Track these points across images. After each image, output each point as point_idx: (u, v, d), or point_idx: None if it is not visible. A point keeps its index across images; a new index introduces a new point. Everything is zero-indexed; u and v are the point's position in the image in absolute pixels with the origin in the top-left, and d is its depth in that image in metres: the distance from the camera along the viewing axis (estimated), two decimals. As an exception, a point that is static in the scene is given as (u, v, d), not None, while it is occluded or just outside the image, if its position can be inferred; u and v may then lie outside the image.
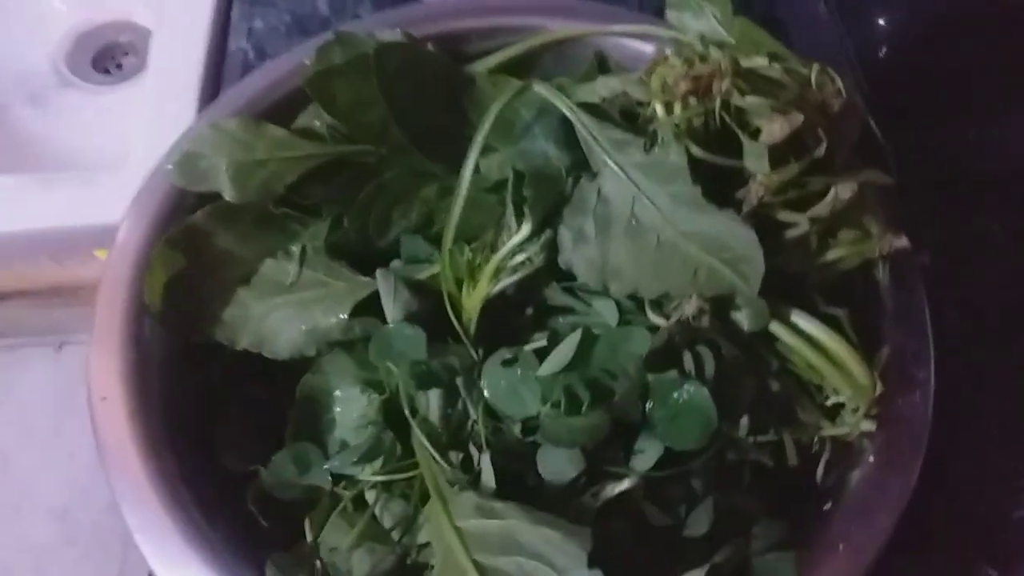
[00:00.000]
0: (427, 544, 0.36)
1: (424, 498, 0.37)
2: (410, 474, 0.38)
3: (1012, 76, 0.62)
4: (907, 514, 0.40)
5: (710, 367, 0.36)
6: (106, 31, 0.89)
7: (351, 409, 0.41)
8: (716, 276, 0.37)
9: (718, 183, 0.39)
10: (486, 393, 0.37)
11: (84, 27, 0.89)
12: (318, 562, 0.37)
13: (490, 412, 0.37)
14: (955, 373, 0.44)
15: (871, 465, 0.40)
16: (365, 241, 0.47)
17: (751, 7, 0.47)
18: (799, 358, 0.39)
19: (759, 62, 0.41)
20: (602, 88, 0.46)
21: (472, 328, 0.43)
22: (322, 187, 0.47)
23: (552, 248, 0.42)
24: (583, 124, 0.42)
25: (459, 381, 0.38)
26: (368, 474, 0.37)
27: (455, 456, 0.36)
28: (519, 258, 0.42)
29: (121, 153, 0.73)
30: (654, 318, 0.38)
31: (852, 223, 0.41)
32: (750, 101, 0.38)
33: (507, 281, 0.43)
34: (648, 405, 0.36)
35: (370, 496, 0.38)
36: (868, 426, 0.39)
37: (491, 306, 0.43)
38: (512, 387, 0.37)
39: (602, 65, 0.54)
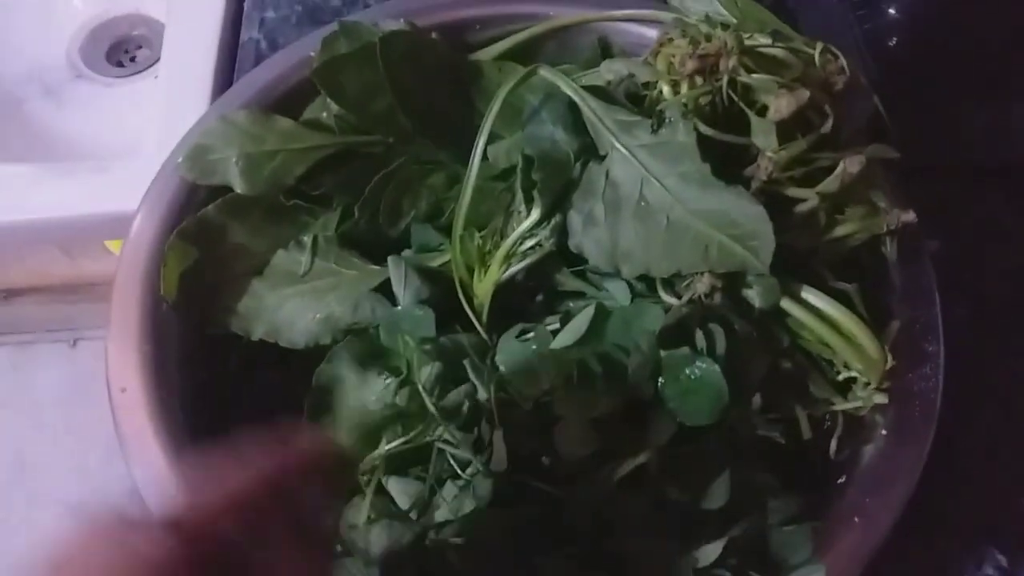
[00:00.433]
0: (444, 523, 0.36)
1: (439, 479, 0.38)
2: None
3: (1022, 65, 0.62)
4: (916, 499, 0.41)
5: (722, 344, 0.36)
6: (120, 24, 0.90)
7: (367, 393, 0.41)
8: (727, 252, 0.37)
9: (726, 162, 0.39)
10: (501, 368, 0.37)
11: (98, 20, 0.90)
12: (338, 546, 0.37)
13: (502, 390, 0.37)
14: (962, 360, 0.45)
15: (883, 438, 0.40)
16: (375, 231, 0.48)
17: None
18: (810, 333, 0.39)
19: (763, 41, 0.42)
20: (607, 72, 0.46)
21: (484, 313, 0.43)
22: (331, 178, 0.47)
23: (562, 232, 0.42)
24: (590, 107, 0.42)
25: (467, 363, 0.39)
26: (382, 455, 0.37)
27: (468, 436, 0.37)
28: (529, 243, 0.43)
29: (135, 144, 0.74)
30: (666, 297, 0.39)
31: (860, 199, 0.41)
32: (756, 79, 0.39)
33: (518, 266, 0.43)
34: (660, 381, 0.36)
35: (387, 481, 0.39)
36: (880, 399, 0.39)
37: (502, 292, 0.44)
38: (527, 361, 0.37)
39: (605, 51, 0.54)
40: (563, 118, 0.43)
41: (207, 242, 0.45)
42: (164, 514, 0.27)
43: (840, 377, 0.40)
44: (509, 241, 0.42)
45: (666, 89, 0.41)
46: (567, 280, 0.43)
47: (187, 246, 0.45)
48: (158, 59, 0.90)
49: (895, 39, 0.64)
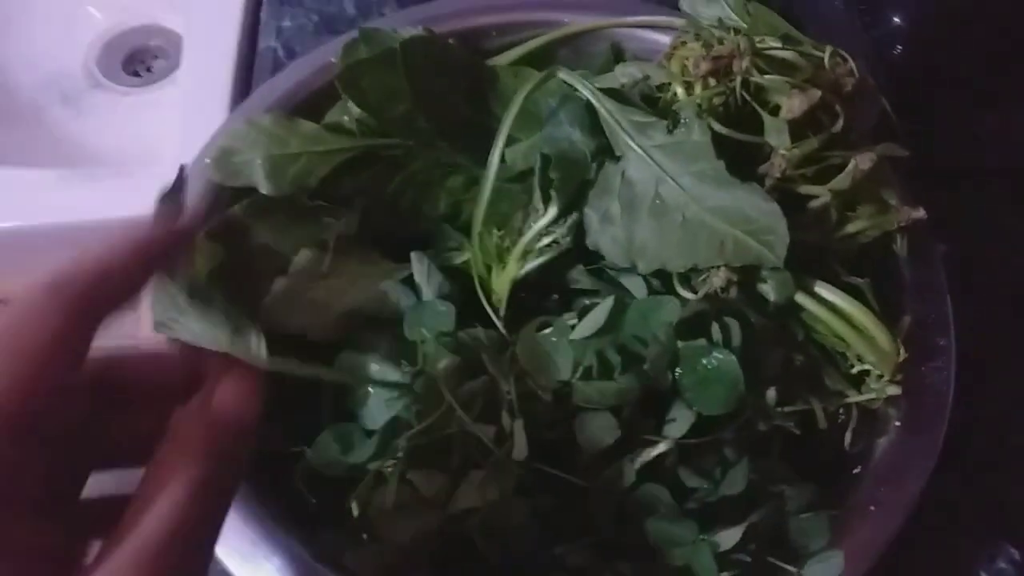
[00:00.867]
0: (468, 511, 0.37)
1: (461, 469, 0.38)
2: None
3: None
4: (929, 493, 0.41)
5: (737, 336, 0.37)
6: (136, 35, 0.92)
7: (385, 383, 0.42)
8: (742, 247, 0.38)
9: (739, 161, 0.40)
10: (521, 359, 0.38)
11: (115, 31, 0.92)
12: (365, 535, 0.38)
13: (521, 382, 0.38)
14: (974, 359, 0.45)
15: (897, 430, 0.41)
16: (395, 231, 0.49)
17: (768, 5, 0.49)
18: (824, 327, 0.40)
19: (774, 44, 0.43)
20: (621, 75, 0.47)
21: (502, 309, 0.44)
22: (353, 179, 0.48)
23: (578, 230, 0.43)
24: (606, 109, 0.43)
25: (485, 356, 0.40)
26: (404, 447, 0.38)
27: (489, 428, 0.38)
28: (546, 240, 0.44)
29: (152, 150, 0.76)
30: (683, 292, 0.40)
31: (871, 197, 0.42)
32: (769, 79, 0.40)
33: (535, 263, 0.44)
34: (677, 372, 0.37)
35: (410, 473, 0.40)
36: (893, 391, 0.40)
37: (519, 290, 0.45)
38: (546, 352, 0.38)
39: (618, 56, 0.55)
40: (580, 119, 0.44)
41: (233, 242, 0.46)
42: None
43: (854, 370, 0.41)
44: (527, 238, 0.44)
45: (680, 91, 0.42)
46: (583, 278, 0.44)
47: (214, 246, 0.46)
48: (174, 69, 0.92)
49: (900, 47, 0.66)
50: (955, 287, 0.47)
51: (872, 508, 0.39)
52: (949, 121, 0.62)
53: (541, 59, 0.54)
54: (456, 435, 0.39)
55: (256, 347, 0.35)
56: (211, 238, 0.46)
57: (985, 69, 0.65)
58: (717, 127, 0.40)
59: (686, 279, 0.40)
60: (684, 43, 0.44)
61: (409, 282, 0.46)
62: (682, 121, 0.41)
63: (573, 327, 0.40)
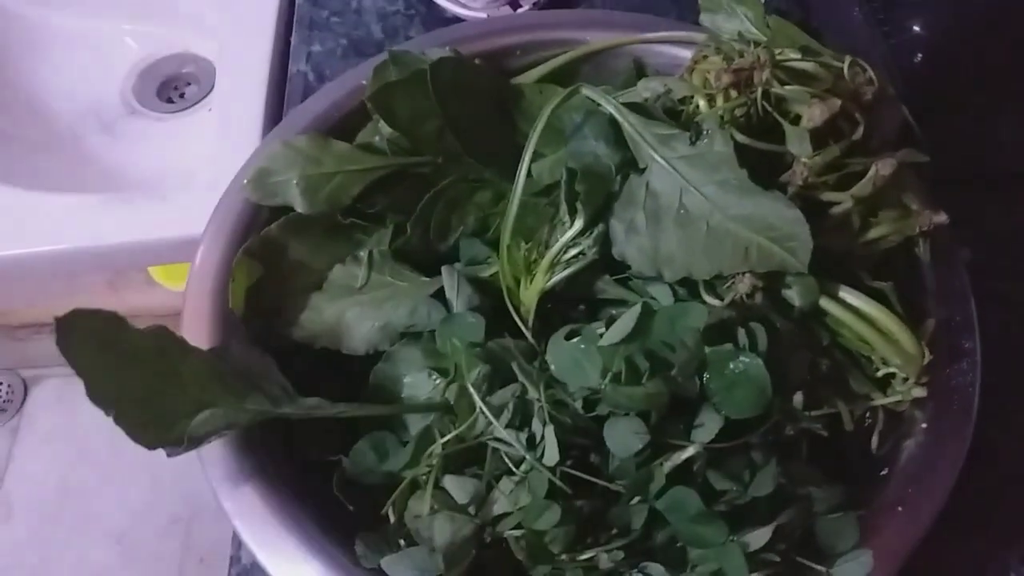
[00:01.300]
0: (503, 516, 0.38)
1: (494, 476, 0.39)
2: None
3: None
4: (956, 498, 0.42)
5: (763, 341, 0.38)
6: (170, 63, 0.95)
7: (419, 393, 0.43)
8: (766, 254, 0.39)
9: (761, 170, 0.41)
10: (551, 367, 0.39)
11: (149, 60, 0.95)
12: (401, 540, 0.40)
13: (551, 390, 0.39)
14: (1000, 364, 0.45)
15: (923, 431, 0.41)
16: (426, 246, 0.50)
17: (787, 18, 0.50)
18: (849, 331, 0.41)
19: (794, 56, 0.44)
20: (644, 90, 0.49)
21: (530, 320, 0.46)
22: (384, 197, 0.50)
23: (604, 241, 0.44)
24: (629, 123, 0.45)
25: (515, 365, 0.41)
26: (438, 455, 0.40)
27: (520, 435, 0.39)
28: (573, 251, 0.45)
29: (186, 174, 0.78)
30: (709, 299, 0.41)
31: (892, 203, 0.43)
32: (789, 90, 0.41)
33: (562, 274, 0.45)
34: (705, 377, 0.38)
35: (444, 480, 0.41)
36: (919, 393, 0.40)
37: (547, 301, 0.46)
38: (575, 359, 0.39)
39: (640, 72, 0.56)
40: (604, 134, 0.46)
41: (270, 259, 0.48)
42: None
43: (879, 373, 0.42)
44: (554, 250, 0.45)
45: (702, 103, 0.43)
46: (609, 288, 0.46)
47: (252, 263, 0.47)
48: (206, 95, 0.95)
49: (920, 55, 0.66)
50: (980, 292, 0.47)
51: (900, 509, 0.39)
52: (970, 126, 0.62)
53: (565, 76, 0.56)
54: (488, 442, 0.40)
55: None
56: (249, 255, 0.47)
57: (1006, 75, 0.65)
58: (739, 137, 0.41)
59: (711, 286, 0.41)
60: (705, 57, 0.45)
61: (440, 295, 0.47)
62: (704, 132, 0.42)
63: (601, 335, 0.41)
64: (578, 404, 0.39)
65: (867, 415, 0.42)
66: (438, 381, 0.44)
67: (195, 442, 0.38)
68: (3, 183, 0.77)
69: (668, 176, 0.43)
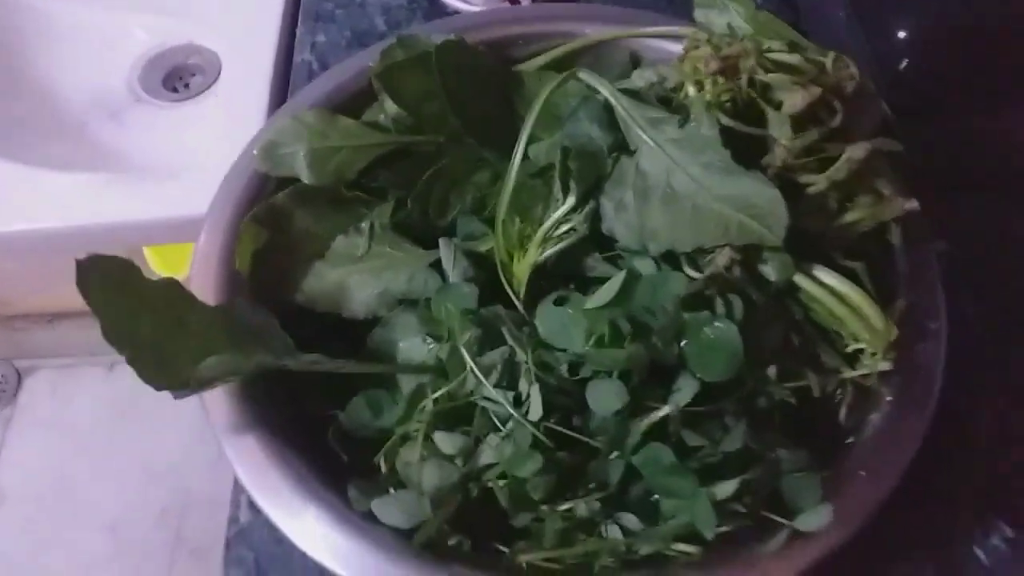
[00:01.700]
0: (489, 466, 0.40)
1: (481, 431, 0.42)
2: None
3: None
4: (925, 474, 0.44)
5: (739, 310, 0.40)
6: (176, 54, 0.97)
7: (414, 356, 0.46)
8: (745, 229, 0.41)
9: (745, 152, 0.44)
10: (540, 329, 0.42)
11: (156, 51, 0.97)
12: (391, 488, 0.42)
13: (539, 354, 0.42)
14: (972, 349, 0.49)
15: (889, 404, 0.44)
16: (425, 221, 0.52)
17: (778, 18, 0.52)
18: (821, 307, 0.43)
19: (779, 48, 0.46)
20: (638, 79, 0.51)
21: (522, 292, 0.48)
22: (387, 172, 0.52)
23: (595, 218, 0.47)
24: (622, 107, 0.47)
25: (505, 329, 0.43)
26: (429, 412, 0.42)
27: (507, 394, 0.41)
28: (564, 227, 0.47)
29: (192, 159, 0.80)
30: (690, 272, 0.43)
31: (868, 189, 0.45)
32: (773, 77, 0.43)
33: (554, 249, 0.48)
34: (683, 344, 0.40)
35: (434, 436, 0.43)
36: (885, 366, 0.43)
37: (538, 276, 0.48)
38: (562, 322, 0.41)
39: (636, 64, 0.59)
40: (598, 117, 0.48)
41: (276, 226, 0.50)
42: None
43: (849, 349, 0.44)
44: (547, 225, 0.47)
45: (691, 89, 0.46)
46: (598, 265, 0.48)
47: (259, 228, 0.50)
48: (211, 85, 0.97)
49: (906, 60, 0.68)
50: (957, 284, 0.49)
51: (863, 473, 0.41)
52: (955, 129, 0.64)
53: (564, 66, 0.58)
54: (477, 401, 0.42)
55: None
56: (256, 221, 0.50)
57: (994, 75, 0.67)
58: (724, 120, 0.43)
59: (693, 260, 0.43)
60: (696, 47, 0.48)
61: (437, 267, 0.49)
62: (692, 116, 0.45)
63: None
64: (563, 368, 0.42)
65: (838, 390, 0.45)
66: (432, 346, 0.46)
67: (201, 385, 0.40)
68: (15, 162, 0.79)
69: (657, 157, 0.45)
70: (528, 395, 0.41)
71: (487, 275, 0.49)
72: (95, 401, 1.69)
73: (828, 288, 0.43)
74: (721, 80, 0.44)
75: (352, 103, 0.55)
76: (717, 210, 0.43)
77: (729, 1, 0.52)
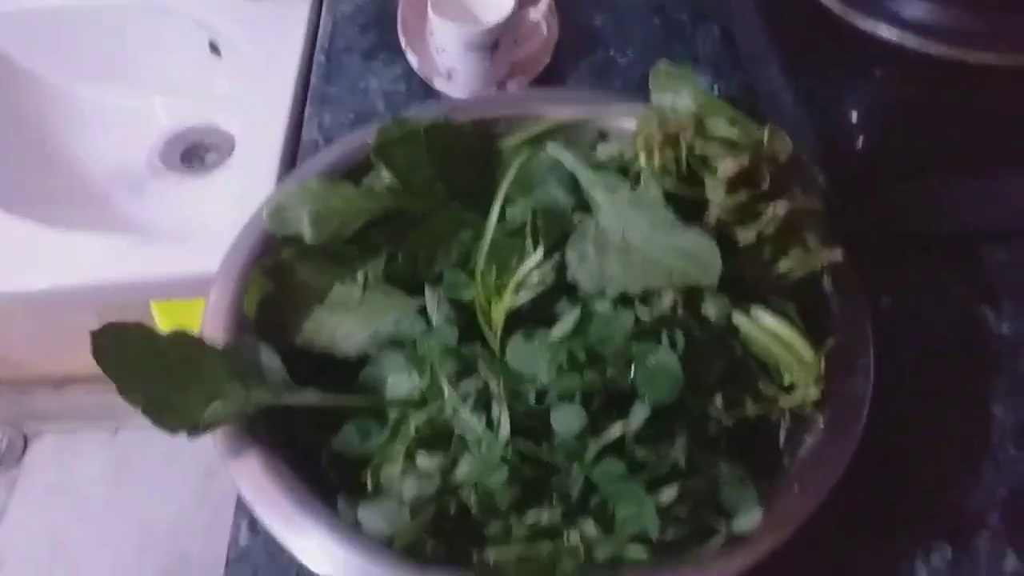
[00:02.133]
0: (464, 482, 0.46)
1: (457, 453, 0.47)
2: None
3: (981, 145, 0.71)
4: (866, 502, 0.50)
5: (680, 344, 0.47)
6: (194, 133, 1.06)
7: (400, 391, 0.51)
8: (684, 274, 0.48)
9: (688, 212, 0.51)
10: (509, 358, 0.48)
11: (176, 129, 1.06)
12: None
13: (509, 383, 0.48)
14: (907, 389, 0.55)
15: (821, 430, 0.49)
16: (413, 272, 0.59)
17: (737, 104, 0.59)
18: (758, 342, 0.49)
19: (719, 123, 0.54)
20: (602, 152, 0.59)
21: (498, 334, 0.54)
22: (381, 231, 0.59)
23: (561, 268, 0.53)
24: (584, 174, 0.54)
25: (480, 362, 0.49)
26: (414, 427, 0.47)
27: (481, 415, 0.47)
28: (535, 277, 0.54)
29: (205, 227, 0.88)
30: (641, 311, 0.49)
31: (797, 242, 0.52)
32: (709, 148, 0.51)
33: (526, 296, 0.54)
34: (633, 371, 0.46)
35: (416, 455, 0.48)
36: (815, 395, 0.48)
37: (513, 318, 0.54)
38: (529, 353, 0.48)
39: (603, 138, 0.66)
40: (564, 183, 0.56)
41: (280, 278, 0.57)
42: None
43: (786, 381, 0.50)
44: (519, 275, 0.53)
45: (642, 157, 0.53)
46: (565, 308, 0.54)
47: (265, 280, 0.56)
48: (225, 160, 1.06)
49: (859, 140, 0.75)
50: (897, 334, 0.55)
51: (797, 486, 0.47)
52: (900, 191, 0.71)
53: (540, 142, 0.66)
54: (453, 424, 0.48)
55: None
56: (263, 273, 0.56)
57: (938, 156, 0.74)
58: (668, 185, 0.50)
59: (644, 301, 0.50)
60: (648, 123, 0.55)
61: (423, 313, 0.56)
62: (643, 181, 0.52)
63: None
64: (531, 395, 0.48)
65: (777, 416, 0.50)
66: (416, 381, 0.52)
67: (209, 427, 0.46)
68: (41, 224, 0.87)
69: (613, 216, 0.52)
70: (499, 418, 0.47)
71: (468, 320, 0.55)
72: (96, 466, 1.72)
73: (764, 327, 0.49)
74: (667, 150, 0.51)
75: (353, 170, 0.62)
76: (663, 261, 0.49)
77: (681, 87, 0.60)
